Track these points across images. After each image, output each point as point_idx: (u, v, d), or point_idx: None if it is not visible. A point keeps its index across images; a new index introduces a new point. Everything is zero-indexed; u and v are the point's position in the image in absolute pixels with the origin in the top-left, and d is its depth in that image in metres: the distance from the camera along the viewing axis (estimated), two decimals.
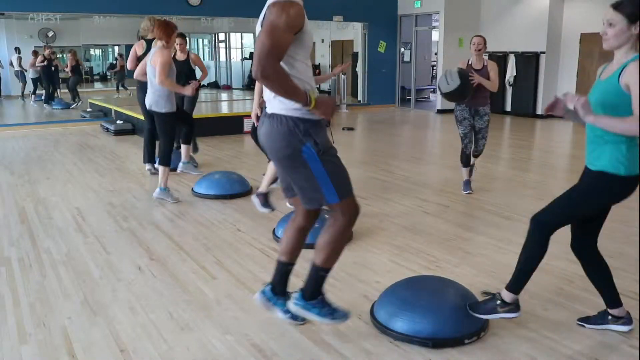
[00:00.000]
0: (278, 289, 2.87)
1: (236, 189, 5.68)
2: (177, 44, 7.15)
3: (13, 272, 3.80)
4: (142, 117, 9.46)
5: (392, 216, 4.96)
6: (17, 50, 16.70)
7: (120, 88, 17.36)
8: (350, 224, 2.67)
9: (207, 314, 3.15)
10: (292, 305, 2.76)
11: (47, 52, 15.14)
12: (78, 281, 3.63)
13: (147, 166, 6.82)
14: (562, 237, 4.45)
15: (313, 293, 2.72)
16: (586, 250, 2.92)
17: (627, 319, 2.91)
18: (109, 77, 20.37)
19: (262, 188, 4.92)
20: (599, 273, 2.90)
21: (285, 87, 2.34)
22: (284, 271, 2.86)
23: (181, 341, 2.86)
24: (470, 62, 5.54)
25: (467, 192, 5.82)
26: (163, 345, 2.82)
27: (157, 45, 5.36)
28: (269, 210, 4.88)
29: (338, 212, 2.62)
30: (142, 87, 6.18)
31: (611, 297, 2.90)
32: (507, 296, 2.82)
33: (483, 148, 5.76)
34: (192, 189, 5.86)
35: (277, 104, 2.50)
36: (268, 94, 2.55)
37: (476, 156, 5.89)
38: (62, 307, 3.25)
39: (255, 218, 4.97)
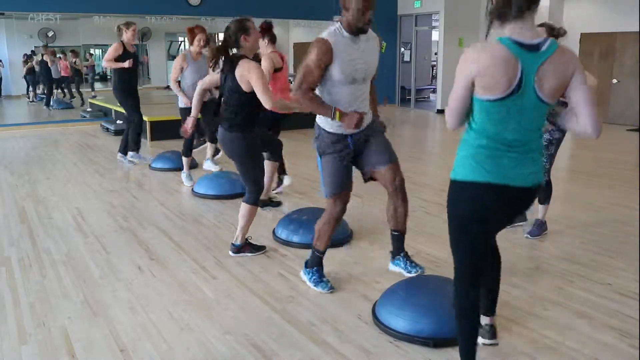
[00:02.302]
0: (395, 253, 3.49)
1: (236, 189, 5.67)
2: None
3: (13, 272, 3.80)
4: (144, 118, 9.55)
5: None
6: (32, 53, 16.51)
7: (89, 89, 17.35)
8: (331, 220, 3.32)
9: (207, 314, 3.15)
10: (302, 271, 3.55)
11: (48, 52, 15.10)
12: (78, 281, 3.63)
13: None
14: (561, 237, 4.46)
15: (311, 264, 3.48)
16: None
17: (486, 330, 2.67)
18: (109, 77, 20.35)
19: (239, 239, 4.09)
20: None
21: (312, 108, 3.14)
22: (394, 237, 3.45)
23: (181, 341, 2.86)
24: None
25: (531, 234, 4.46)
26: (163, 345, 2.82)
27: None
28: (262, 251, 4.15)
29: (327, 205, 3.32)
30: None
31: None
32: None
33: (544, 180, 4.31)
34: (192, 189, 5.86)
35: None
36: None
37: (539, 197, 4.27)
38: (62, 307, 3.25)
39: (255, 218, 4.97)
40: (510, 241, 4.34)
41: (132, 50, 6.90)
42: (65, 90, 16.03)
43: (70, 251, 4.19)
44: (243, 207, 3.99)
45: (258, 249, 4.13)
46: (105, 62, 6.82)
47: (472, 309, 2.34)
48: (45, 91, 15.42)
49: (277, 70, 5.23)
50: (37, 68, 15.27)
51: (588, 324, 3.02)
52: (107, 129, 10.44)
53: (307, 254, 4.06)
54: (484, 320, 2.66)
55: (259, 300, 3.33)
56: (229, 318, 3.11)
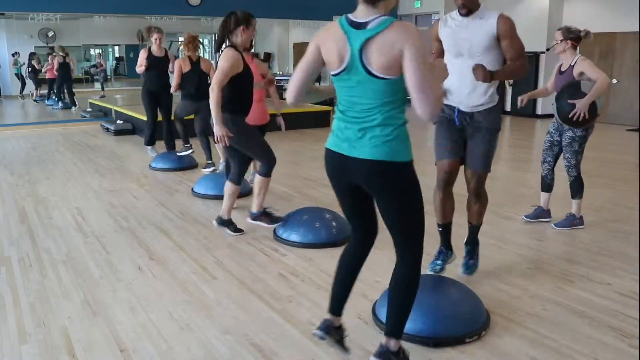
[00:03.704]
0: (449, 246, 3.70)
1: None
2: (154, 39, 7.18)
3: (13, 272, 3.80)
4: (142, 117, 9.57)
5: None
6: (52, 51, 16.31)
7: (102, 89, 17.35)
8: (435, 188, 3.71)
9: (207, 314, 3.15)
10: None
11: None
12: (78, 281, 3.63)
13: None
14: (561, 237, 4.46)
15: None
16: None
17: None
18: (108, 77, 20.36)
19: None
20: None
21: None
22: (449, 229, 3.68)
23: (181, 341, 2.86)
24: (560, 64, 4.45)
25: (528, 218, 4.82)
26: (163, 345, 2.82)
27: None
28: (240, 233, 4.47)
29: None
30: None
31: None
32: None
33: (568, 172, 4.58)
34: (192, 189, 5.86)
35: None
36: None
37: (571, 192, 4.65)
38: (62, 307, 3.25)
39: None
40: (510, 241, 4.34)
41: (159, 54, 7.11)
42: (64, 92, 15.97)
43: (70, 251, 4.19)
44: (257, 180, 4.43)
45: (274, 219, 4.48)
46: (137, 68, 7.30)
47: (342, 256, 2.61)
48: (55, 92, 15.33)
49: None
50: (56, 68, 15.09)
51: (588, 324, 3.02)
52: (107, 129, 10.45)
53: (307, 253, 4.08)
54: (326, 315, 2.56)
55: (259, 300, 3.33)
56: (229, 318, 3.11)
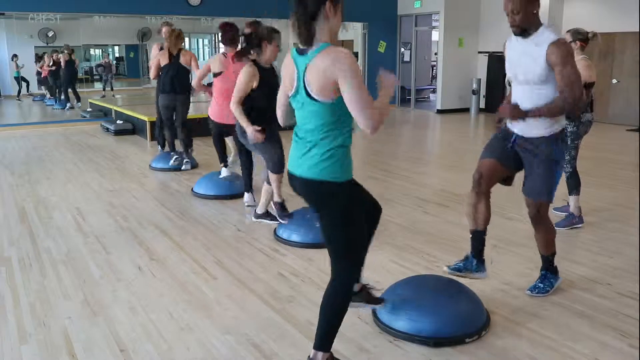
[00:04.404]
0: (477, 255, 3.35)
1: (236, 189, 5.67)
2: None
3: (13, 272, 3.80)
4: (142, 117, 9.56)
5: (392, 216, 4.96)
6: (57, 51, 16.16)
7: (107, 88, 17.28)
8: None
9: (207, 314, 3.15)
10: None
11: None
12: (78, 281, 3.63)
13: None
14: (561, 237, 4.46)
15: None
16: None
17: None
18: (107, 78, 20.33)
19: (277, 197, 4.56)
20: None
21: None
22: (481, 239, 3.39)
23: (181, 341, 2.86)
24: None
25: (557, 225, 4.44)
26: (163, 345, 2.82)
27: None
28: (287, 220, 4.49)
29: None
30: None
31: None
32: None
33: (563, 169, 4.53)
34: (192, 189, 5.86)
35: None
36: None
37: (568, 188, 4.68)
38: (62, 307, 3.25)
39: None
40: (511, 241, 4.35)
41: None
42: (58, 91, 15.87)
43: (70, 251, 4.19)
44: (269, 176, 4.45)
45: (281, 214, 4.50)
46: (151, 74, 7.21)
47: None
48: (60, 92, 15.27)
49: (216, 74, 5.45)
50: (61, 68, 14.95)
51: (588, 324, 3.02)
52: (107, 129, 10.44)
53: (307, 253, 4.08)
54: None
55: (259, 300, 3.33)
56: (229, 318, 3.11)
